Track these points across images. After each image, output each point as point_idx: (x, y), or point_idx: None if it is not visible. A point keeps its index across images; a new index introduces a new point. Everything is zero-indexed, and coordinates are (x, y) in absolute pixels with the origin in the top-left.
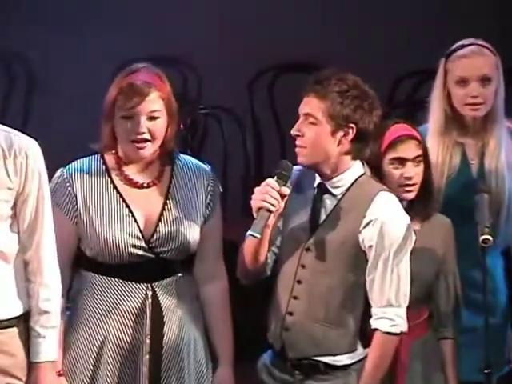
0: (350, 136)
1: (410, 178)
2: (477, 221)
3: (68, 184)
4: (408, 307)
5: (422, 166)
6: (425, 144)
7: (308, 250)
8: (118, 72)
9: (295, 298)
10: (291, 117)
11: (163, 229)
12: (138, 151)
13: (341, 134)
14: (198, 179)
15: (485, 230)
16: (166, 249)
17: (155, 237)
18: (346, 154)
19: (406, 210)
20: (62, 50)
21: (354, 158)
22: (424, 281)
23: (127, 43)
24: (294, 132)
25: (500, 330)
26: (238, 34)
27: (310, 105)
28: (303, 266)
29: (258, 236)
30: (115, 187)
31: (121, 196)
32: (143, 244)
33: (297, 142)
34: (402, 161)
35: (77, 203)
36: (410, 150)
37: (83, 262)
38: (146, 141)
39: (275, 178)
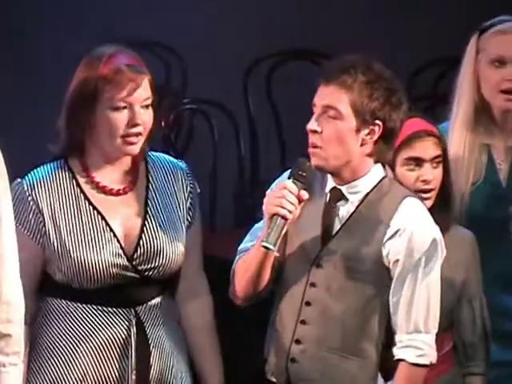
0: (376, 135)
1: (427, 182)
2: None
3: (30, 198)
4: None
5: (440, 168)
6: (445, 143)
7: (319, 265)
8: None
9: (303, 322)
10: (293, 113)
11: (147, 243)
12: (127, 148)
13: (365, 132)
14: (177, 180)
15: None
16: (150, 266)
17: (138, 252)
18: (369, 155)
19: None
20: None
21: (376, 161)
22: (445, 306)
23: (99, 25)
24: (311, 127)
25: None
26: (232, 16)
27: (332, 96)
28: (313, 285)
29: (273, 248)
30: (86, 197)
31: (94, 207)
32: (125, 262)
33: (312, 140)
34: (418, 161)
35: (43, 221)
36: (428, 148)
37: (50, 289)
38: (139, 134)
39: (291, 179)
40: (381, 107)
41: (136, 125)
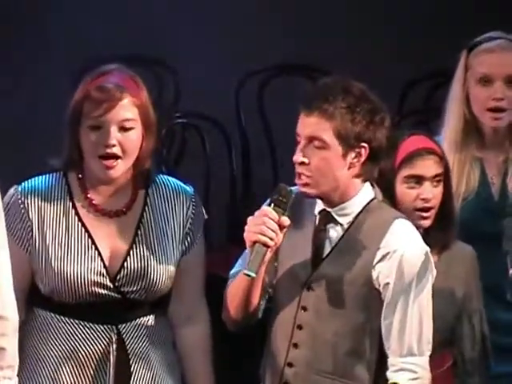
0: (363, 157)
1: (426, 200)
2: (505, 250)
3: (22, 206)
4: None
5: (441, 186)
6: (446, 161)
7: (310, 289)
8: (80, 76)
9: (295, 346)
10: (286, 129)
11: (131, 265)
12: (105, 172)
13: (352, 155)
14: (177, 203)
15: None
16: (133, 288)
17: (122, 274)
18: (356, 176)
19: (423, 239)
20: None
21: (364, 180)
22: (445, 322)
23: (91, 42)
24: (298, 159)
25: None
26: (224, 31)
27: (315, 126)
28: (304, 309)
29: (254, 275)
30: (77, 213)
31: (83, 224)
32: (107, 282)
33: (300, 171)
34: (418, 179)
35: (32, 229)
36: (429, 166)
37: (37, 300)
38: (116, 158)
39: (272, 205)
40: (365, 129)
41: (109, 145)
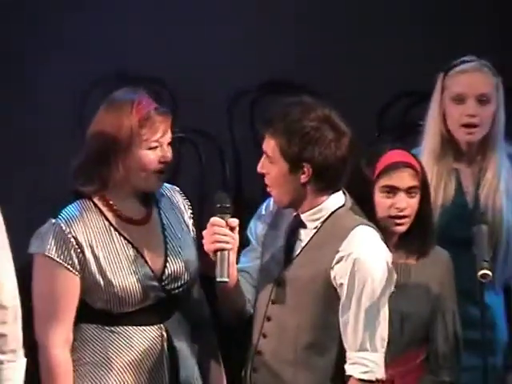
0: (309, 175)
1: (400, 210)
2: (475, 254)
3: (70, 235)
4: (405, 349)
5: (417, 197)
6: (424, 175)
7: (279, 285)
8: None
9: (264, 336)
10: None
11: (172, 264)
12: (158, 185)
13: (299, 172)
14: (178, 202)
15: (483, 264)
16: (177, 284)
17: (166, 273)
18: (318, 190)
19: (399, 244)
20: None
21: (326, 194)
22: (419, 320)
23: (90, 60)
24: (259, 169)
25: (500, 369)
26: (217, 48)
27: (266, 143)
28: (273, 302)
29: (227, 280)
30: (116, 229)
31: (124, 238)
32: (156, 283)
33: (265, 181)
34: (393, 189)
35: (84, 254)
36: (404, 178)
37: (85, 316)
38: (165, 171)
39: (217, 215)
40: (302, 150)
41: (166, 162)
